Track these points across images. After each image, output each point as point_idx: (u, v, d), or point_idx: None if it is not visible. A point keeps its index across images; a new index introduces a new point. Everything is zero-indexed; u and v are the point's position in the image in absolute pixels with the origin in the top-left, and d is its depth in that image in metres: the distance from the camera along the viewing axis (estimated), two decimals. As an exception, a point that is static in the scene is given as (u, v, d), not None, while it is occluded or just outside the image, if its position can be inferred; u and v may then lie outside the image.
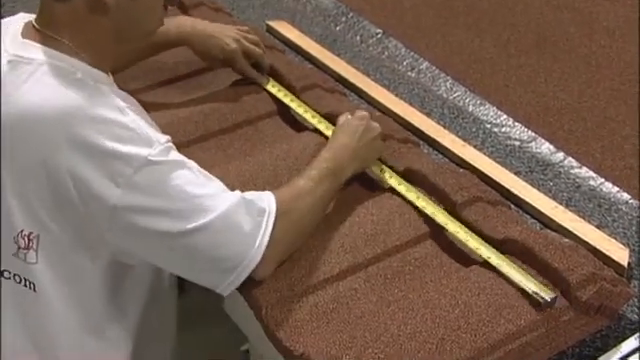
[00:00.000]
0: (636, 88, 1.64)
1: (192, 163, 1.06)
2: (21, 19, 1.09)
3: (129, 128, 1.01)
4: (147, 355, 1.20)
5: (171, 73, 1.55)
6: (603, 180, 1.38)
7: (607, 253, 1.19)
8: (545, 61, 1.72)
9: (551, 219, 1.27)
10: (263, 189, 1.12)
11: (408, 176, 1.29)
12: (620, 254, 1.19)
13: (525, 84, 1.66)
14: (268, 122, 1.44)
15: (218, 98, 1.48)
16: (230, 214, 1.04)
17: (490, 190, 1.30)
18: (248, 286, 1.09)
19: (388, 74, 1.64)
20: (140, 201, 1.00)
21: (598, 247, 1.20)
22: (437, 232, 1.20)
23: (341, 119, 1.27)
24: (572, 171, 1.41)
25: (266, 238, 1.06)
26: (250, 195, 1.08)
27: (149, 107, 1.24)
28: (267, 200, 1.08)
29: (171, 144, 1.05)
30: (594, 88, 1.64)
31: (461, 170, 1.34)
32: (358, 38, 1.78)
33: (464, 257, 1.17)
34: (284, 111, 1.47)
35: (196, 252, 1.03)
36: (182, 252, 1.04)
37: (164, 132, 1.08)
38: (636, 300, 1.14)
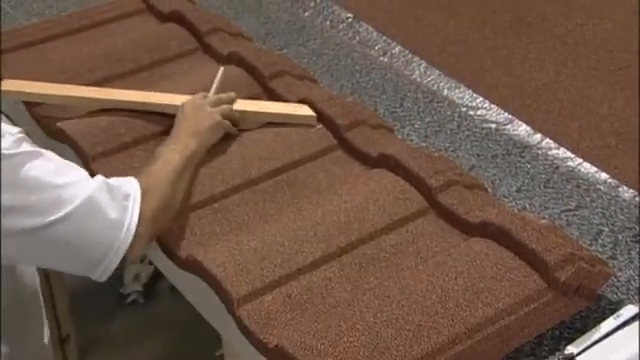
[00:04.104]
0: (613, 66, 1.62)
1: (49, 153, 1.04)
2: None
3: None
4: None
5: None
6: (581, 160, 1.37)
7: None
8: (521, 42, 1.70)
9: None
10: None
11: (382, 162, 1.27)
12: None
13: (501, 66, 1.64)
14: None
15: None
16: (93, 201, 1.03)
17: (466, 174, 1.28)
18: (218, 280, 1.07)
19: (360, 59, 1.62)
20: None
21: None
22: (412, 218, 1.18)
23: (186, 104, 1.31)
24: (550, 152, 1.39)
25: (134, 221, 1.06)
26: (113, 181, 1.09)
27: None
28: (130, 184, 1.10)
29: (23, 135, 1.02)
30: (570, 68, 1.62)
31: (436, 154, 1.32)
32: (328, 23, 1.75)
33: (441, 241, 1.15)
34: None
35: (62, 244, 1.02)
36: (47, 246, 1.02)
37: None
38: (615, 280, 1.12)
